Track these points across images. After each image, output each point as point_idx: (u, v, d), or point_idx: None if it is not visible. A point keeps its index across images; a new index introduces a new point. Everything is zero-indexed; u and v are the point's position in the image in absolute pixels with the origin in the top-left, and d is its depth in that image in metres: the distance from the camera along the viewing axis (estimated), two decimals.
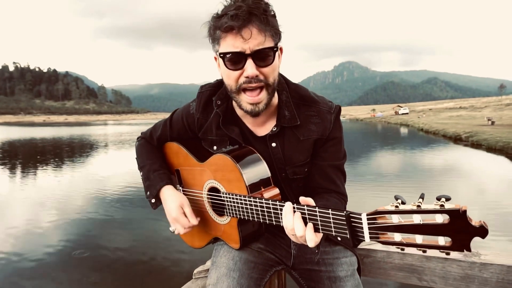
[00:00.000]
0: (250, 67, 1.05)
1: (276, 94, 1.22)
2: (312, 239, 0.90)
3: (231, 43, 1.04)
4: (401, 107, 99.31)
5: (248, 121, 1.26)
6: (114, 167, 15.30)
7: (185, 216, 1.24)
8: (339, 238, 1.26)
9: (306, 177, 1.24)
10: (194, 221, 1.23)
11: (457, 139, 22.99)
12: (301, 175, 1.23)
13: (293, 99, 1.22)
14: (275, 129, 1.20)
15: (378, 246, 1.61)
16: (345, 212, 0.84)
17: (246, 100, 1.11)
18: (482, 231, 0.65)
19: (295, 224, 0.92)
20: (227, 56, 1.06)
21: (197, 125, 1.33)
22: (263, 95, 1.10)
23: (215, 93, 1.27)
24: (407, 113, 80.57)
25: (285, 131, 1.21)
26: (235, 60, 1.06)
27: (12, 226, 7.01)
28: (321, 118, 1.20)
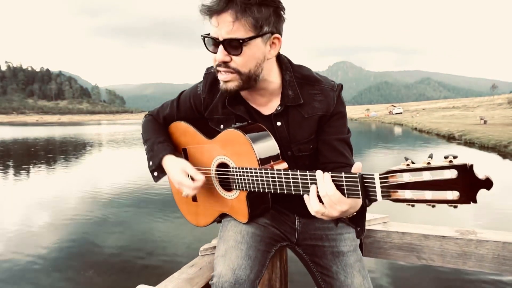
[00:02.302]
0: (218, 53, 1.10)
1: (279, 75, 1.26)
2: (341, 200, 0.94)
3: (211, 26, 1.10)
4: (395, 106, 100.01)
5: (252, 101, 1.30)
6: (109, 166, 15.23)
7: (190, 177, 1.27)
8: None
9: (312, 155, 1.28)
10: (200, 177, 1.25)
11: (450, 138, 23.28)
12: (306, 152, 1.26)
13: (296, 79, 1.25)
14: (279, 108, 1.23)
15: (378, 227, 1.65)
16: (358, 173, 0.89)
17: (220, 79, 1.17)
18: (487, 183, 0.70)
19: (329, 185, 0.94)
20: (205, 38, 1.12)
21: (203, 105, 1.36)
22: (234, 77, 1.14)
23: None
24: (401, 113, 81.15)
25: (289, 110, 1.24)
26: (211, 43, 1.12)
27: (5, 226, 6.97)
28: (324, 95, 1.23)
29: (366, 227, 1.63)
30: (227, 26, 1.05)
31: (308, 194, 0.99)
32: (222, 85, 1.18)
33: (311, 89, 1.24)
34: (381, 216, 1.69)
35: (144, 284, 1.16)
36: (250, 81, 1.16)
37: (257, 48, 1.11)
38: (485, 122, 29.42)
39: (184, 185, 1.26)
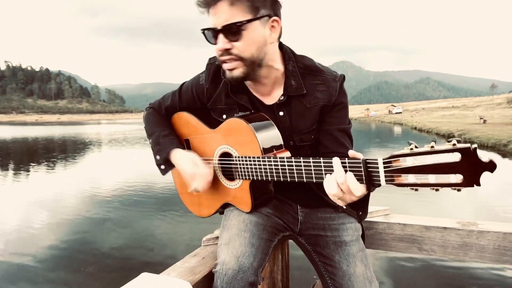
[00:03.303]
0: (219, 42, 1.12)
1: (282, 64, 1.26)
2: (357, 188, 0.91)
3: (209, 18, 1.11)
4: (395, 106, 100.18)
5: (255, 91, 1.30)
6: (109, 166, 15.24)
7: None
8: (344, 206, 1.32)
9: (313, 145, 1.28)
10: (208, 169, 1.27)
11: (450, 137, 23.30)
12: (308, 142, 1.27)
13: (299, 69, 1.25)
14: (282, 98, 1.24)
15: (380, 219, 1.66)
16: (361, 159, 0.90)
17: (224, 67, 1.18)
18: (491, 166, 0.70)
19: (340, 171, 0.93)
20: (204, 32, 1.14)
21: (206, 96, 1.36)
22: (238, 64, 1.15)
23: None
24: (400, 112, 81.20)
25: (292, 100, 1.25)
26: (211, 35, 1.13)
27: (5, 225, 6.96)
28: (326, 85, 1.24)
29: (368, 219, 1.63)
30: (224, 13, 1.07)
31: (320, 181, 1.00)
32: (227, 74, 1.18)
33: (313, 79, 1.25)
34: (382, 208, 1.69)
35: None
36: (254, 66, 1.16)
37: (256, 31, 1.12)
38: (484, 121, 29.44)
39: (199, 174, 1.25)
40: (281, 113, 1.25)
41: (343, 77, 1.27)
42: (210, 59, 1.35)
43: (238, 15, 1.07)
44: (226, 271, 1.09)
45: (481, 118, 31.08)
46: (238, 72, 1.16)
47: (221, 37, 1.10)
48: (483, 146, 17.56)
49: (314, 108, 1.23)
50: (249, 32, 1.10)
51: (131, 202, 8.37)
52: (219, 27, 1.09)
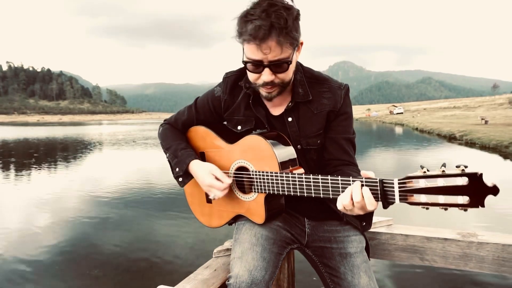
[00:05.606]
0: (266, 75, 1.19)
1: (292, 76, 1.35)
2: (372, 203, 1.00)
3: (252, 50, 1.15)
4: (396, 106, 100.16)
5: (267, 102, 1.40)
6: (110, 167, 15.31)
7: (218, 179, 1.34)
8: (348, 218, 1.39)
9: (319, 149, 1.37)
10: (227, 180, 1.33)
11: (451, 138, 23.29)
12: (314, 146, 1.35)
13: (306, 78, 1.36)
14: (290, 104, 1.34)
15: (383, 229, 1.72)
16: (378, 178, 0.99)
17: (262, 91, 1.28)
18: (494, 190, 0.81)
19: (356, 192, 1.02)
20: (248, 63, 1.20)
21: (223, 107, 1.44)
22: (277, 88, 1.26)
23: (240, 77, 1.41)
24: (402, 113, 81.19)
25: (299, 106, 1.35)
26: (254, 66, 1.20)
27: (6, 226, 7.00)
28: (332, 92, 1.34)
29: (371, 230, 1.70)
30: (273, 51, 1.13)
31: (337, 197, 1.08)
32: (266, 95, 1.27)
33: (320, 87, 1.35)
34: (385, 219, 1.76)
35: (164, 285, 1.23)
36: (288, 86, 1.29)
37: (295, 59, 1.23)
38: (486, 122, 29.37)
39: (215, 187, 1.33)
40: (289, 119, 1.35)
41: (348, 87, 1.37)
42: (226, 73, 1.45)
43: (284, 51, 1.15)
44: (240, 284, 1.16)
45: (482, 119, 31.02)
46: (275, 93, 1.27)
47: (267, 71, 1.18)
48: (484, 147, 17.56)
49: (321, 114, 1.33)
50: (292, 63, 1.21)
51: (135, 203, 8.44)
52: (266, 62, 1.16)
